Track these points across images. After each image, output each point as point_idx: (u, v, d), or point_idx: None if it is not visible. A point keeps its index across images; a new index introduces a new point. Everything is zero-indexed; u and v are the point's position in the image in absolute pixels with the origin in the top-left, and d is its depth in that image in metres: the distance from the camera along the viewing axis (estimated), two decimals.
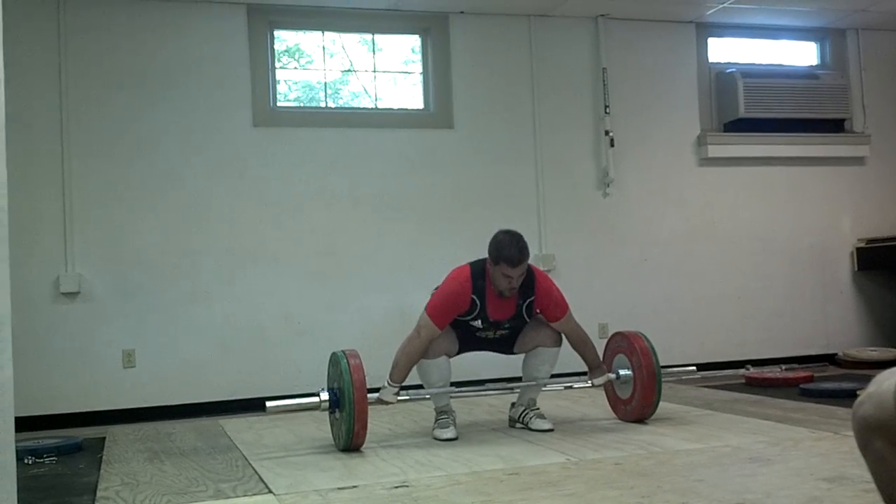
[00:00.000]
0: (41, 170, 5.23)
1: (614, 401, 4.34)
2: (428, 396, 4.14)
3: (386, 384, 3.97)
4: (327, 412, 3.91)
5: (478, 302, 3.95)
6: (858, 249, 6.74)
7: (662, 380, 4.13)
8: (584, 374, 5.82)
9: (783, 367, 6.30)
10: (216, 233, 5.51)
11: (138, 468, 3.67)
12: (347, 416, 3.66)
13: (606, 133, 6.17)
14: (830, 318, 6.71)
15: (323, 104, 5.99)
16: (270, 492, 3.07)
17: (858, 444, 1.68)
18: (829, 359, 6.58)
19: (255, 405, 5.36)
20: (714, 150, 6.41)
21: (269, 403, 3.89)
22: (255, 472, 3.44)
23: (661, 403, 4.13)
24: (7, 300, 1.98)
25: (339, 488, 3.05)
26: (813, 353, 6.60)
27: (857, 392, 1.78)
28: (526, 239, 3.96)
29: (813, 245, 6.70)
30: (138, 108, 5.42)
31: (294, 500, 2.92)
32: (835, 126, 6.74)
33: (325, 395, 3.82)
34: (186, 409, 5.28)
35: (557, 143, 6.14)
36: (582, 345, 4.18)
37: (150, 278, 5.38)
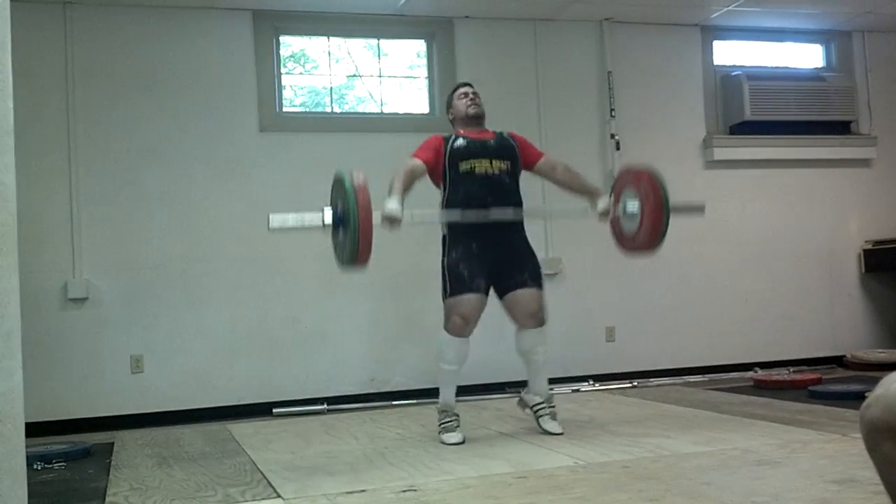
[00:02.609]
0: (49, 176, 5.24)
1: (620, 235, 4.25)
2: (437, 221, 4.18)
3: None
4: (330, 232, 3.79)
5: (452, 135, 4.14)
6: (866, 251, 6.73)
7: (671, 214, 4.02)
8: (593, 378, 5.86)
9: (791, 369, 6.28)
10: (223, 238, 5.52)
11: (147, 473, 3.68)
12: (352, 232, 3.55)
13: (612, 136, 6.17)
14: (838, 320, 6.70)
15: (329, 109, 6.00)
16: (279, 496, 3.07)
17: (867, 446, 1.68)
18: (837, 361, 6.56)
19: (262, 410, 5.39)
20: (720, 153, 6.40)
21: (272, 221, 3.77)
22: (264, 476, 3.45)
23: (667, 406, 4.13)
24: (17, 307, 1.99)
25: (348, 492, 3.05)
26: (821, 355, 6.59)
27: (866, 394, 1.78)
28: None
29: (820, 247, 6.69)
30: (145, 115, 5.44)
31: None
32: (841, 128, 6.72)
33: (328, 213, 3.70)
34: (194, 414, 5.29)
35: (563, 147, 6.11)
36: (572, 175, 4.25)
37: (158, 284, 5.39)
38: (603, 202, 4.14)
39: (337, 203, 3.70)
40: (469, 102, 4.20)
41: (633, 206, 4.04)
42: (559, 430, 4.02)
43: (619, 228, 4.23)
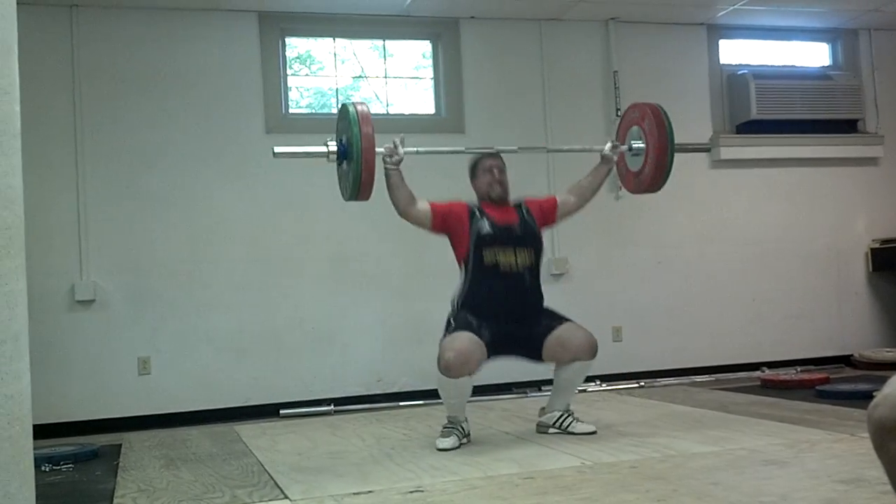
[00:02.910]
0: (55, 178, 5.26)
1: (625, 173, 4.26)
2: (438, 152, 4.26)
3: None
4: (335, 164, 3.83)
5: (476, 210, 4.01)
6: (873, 250, 6.71)
7: (675, 151, 4.02)
8: (600, 378, 5.85)
9: (798, 368, 6.26)
10: (230, 239, 5.53)
11: (154, 475, 3.69)
12: (355, 165, 3.60)
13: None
14: (845, 320, 6.68)
15: (335, 110, 6.00)
16: (286, 497, 3.08)
17: (875, 445, 1.67)
18: (845, 360, 6.54)
19: (269, 411, 5.40)
20: (726, 153, 6.39)
21: (276, 149, 3.84)
22: (271, 477, 3.45)
23: (674, 406, 4.12)
24: (24, 310, 2.00)
25: (355, 493, 3.05)
26: (828, 354, 6.57)
27: (873, 393, 1.77)
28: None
29: (827, 246, 6.67)
30: (151, 117, 5.45)
31: None
32: (848, 127, 6.71)
33: (332, 145, 3.74)
34: (201, 416, 5.30)
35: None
36: (581, 187, 4.25)
37: (165, 285, 5.40)
38: (606, 146, 4.20)
39: (342, 135, 3.73)
40: (494, 182, 4.04)
41: (638, 142, 4.06)
42: (593, 429, 3.99)
43: (624, 164, 4.24)
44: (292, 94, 5.90)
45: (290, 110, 5.83)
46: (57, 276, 5.21)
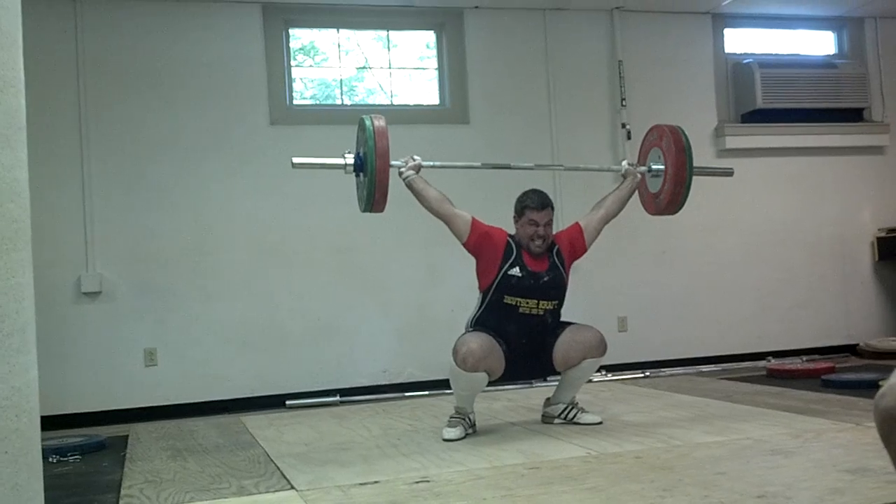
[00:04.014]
0: (61, 171, 5.27)
1: (645, 195, 4.28)
2: (454, 166, 4.21)
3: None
4: (353, 174, 3.89)
5: (514, 248, 3.94)
6: (879, 239, 6.69)
7: (693, 173, 4.04)
8: (605, 368, 5.85)
9: (804, 358, 6.26)
10: (235, 231, 5.54)
11: (161, 466, 3.70)
12: (369, 182, 3.68)
13: (623, 126, 6.15)
14: (851, 309, 6.67)
15: (339, 101, 6.00)
16: (293, 488, 3.09)
17: (881, 435, 1.67)
18: (851, 349, 6.54)
19: (275, 402, 5.41)
20: (732, 142, 6.38)
21: (295, 160, 3.91)
22: (277, 468, 3.46)
23: (679, 396, 4.13)
24: (31, 302, 2.00)
25: (361, 484, 3.06)
26: (834, 343, 6.57)
27: (879, 383, 1.77)
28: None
29: (833, 235, 6.66)
30: (156, 108, 5.45)
31: (316, 495, 2.94)
32: (854, 115, 6.68)
33: (350, 158, 3.81)
34: (208, 407, 5.32)
35: (574, 137, 6.12)
36: (606, 204, 4.24)
37: (171, 277, 5.41)
38: (625, 164, 4.24)
39: (360, 148, 3.79)
40: (536, 237, 3.94)
41: (657, 164, 4.10)
42: (599, 420, 4.00)
43: (644, 186, 4.25)
44: (296, 86, 5.90)
45: (295, 101, 5.83)
46: (63, 268, 5.23)
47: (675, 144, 4.04)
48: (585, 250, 4.18)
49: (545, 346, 3.97)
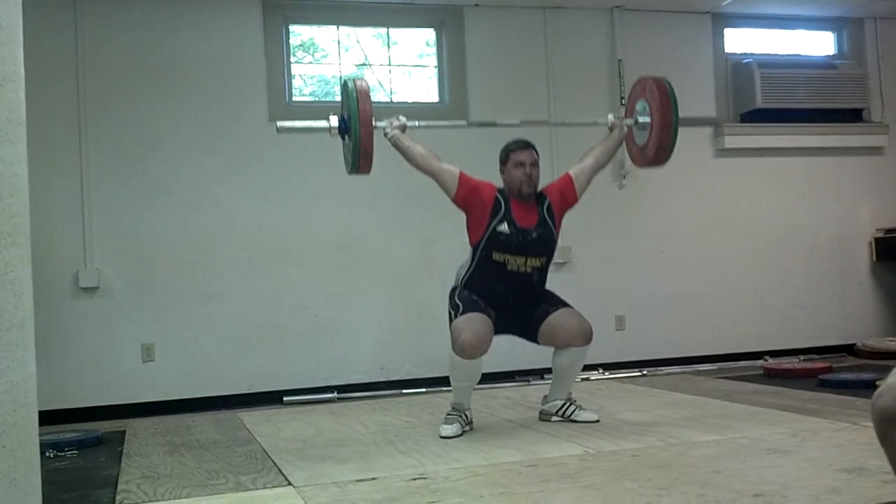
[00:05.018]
0: (59, 166, 5.26)
1: (633, 148, 4.27)
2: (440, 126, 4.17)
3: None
4: (339, 139, 3.89)
5: (502, 202, 3.94)
6: (877, 239, 6.70)
7: (679, 125, 4.03)
8: (602, 366, 5.86)
9: (801, 357, 6.27)
10: (234, 228, 5.54)
11: (158, 461, 3.70)
12: (353, 145, 3.69)
13: None
14: (849, 309, 6.68)
15: (338, 98, 5.98)
16: (290, 484, 3.09)
17: (877, 434, 1.68)
18: (848, 349, 6.55)
19: (273, 398, 5.41)
20: (731, 141, 6.38)
21: (279, 123, 3.93)
22: (275, 464, 3.46)
23: (676, 395, 4.13)
24: (30, 297, 2.00)
25: (358, 480, 3.06)
26: (831, 343, 6.57)
27: (876, 383, 1.78)
28: None
29: (831, 235, 6.67)
30: (154, 104, 5.45)
31: (313, 492, 2.94)
32: (853, 116, 6.69)
33: (334, 121, 3.80)
34: (205, 403, 5.32)
35: (572, 135, 6.10)
36: (594, 155, 4.20)
37: (169, 273, 5.41)
38: (611, 117, 4.23)
39: (343, 110, 3.79)
40: (525, 177, 3.95)
41: (643, 116, 4.09)
42: (596, 418, 4.01)
43: (631, 139, 4.26)
44: (296, 82, 5.89)
45: (294, 98, 5.82)
46: (61, 263, 5.22)
47: (658, 90, 4.02)
48: (577, 200, 4.18)
49: (531, 306, 4.00)
